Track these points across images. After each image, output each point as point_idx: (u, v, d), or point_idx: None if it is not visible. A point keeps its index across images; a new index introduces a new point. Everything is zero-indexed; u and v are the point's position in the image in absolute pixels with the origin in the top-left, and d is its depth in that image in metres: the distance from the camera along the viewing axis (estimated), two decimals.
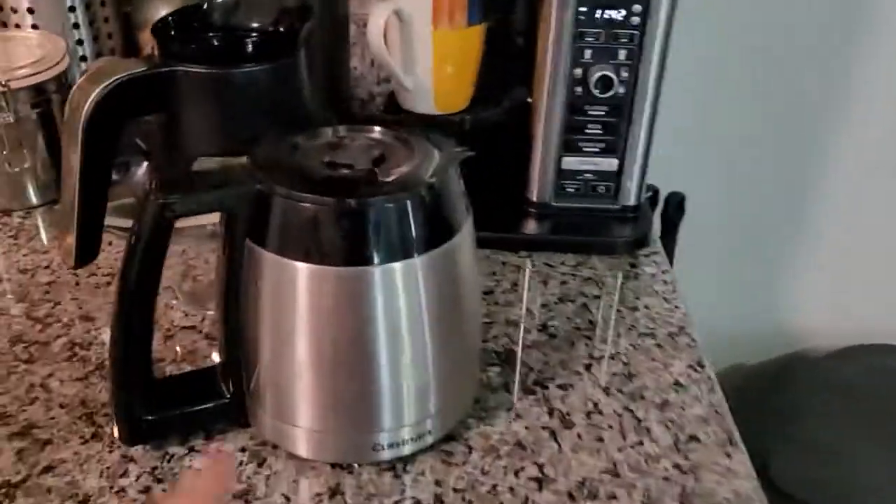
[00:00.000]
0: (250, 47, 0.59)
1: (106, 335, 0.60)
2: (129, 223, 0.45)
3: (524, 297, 0.67)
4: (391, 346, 0.46)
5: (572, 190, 0.74)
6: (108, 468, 0.50)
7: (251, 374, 0.49)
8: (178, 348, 0.60)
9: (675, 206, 0.98)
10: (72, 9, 0.79)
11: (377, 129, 0.50)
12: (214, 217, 0.75)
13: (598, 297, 0.67)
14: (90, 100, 0.50)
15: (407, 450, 0.50)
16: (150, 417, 0.50)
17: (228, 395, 0.51)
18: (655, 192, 0.98)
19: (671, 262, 1.00)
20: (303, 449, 0.50)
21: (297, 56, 0.58)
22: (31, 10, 0.78)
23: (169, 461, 0.50)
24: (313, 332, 0.46)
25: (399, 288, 0.45)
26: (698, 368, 0.60)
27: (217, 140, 0.56)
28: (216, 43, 0.59)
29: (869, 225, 1.13)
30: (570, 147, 0.72)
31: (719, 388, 0.58)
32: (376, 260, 0.44)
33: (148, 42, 0.81)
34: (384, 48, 0.70)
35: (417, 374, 0.48)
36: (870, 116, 1.04)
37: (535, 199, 0.74)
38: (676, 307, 0.66)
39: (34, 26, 0.78)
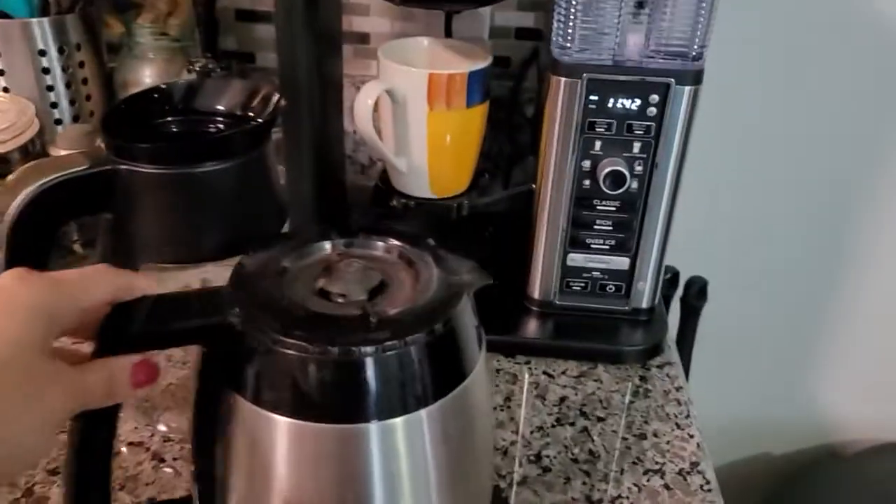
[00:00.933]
0: (214, 138, 0.52)
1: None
2: None
3: (519, 416, 0.59)
4: None
5: (578, 288, 0.67)
6: None
7: None
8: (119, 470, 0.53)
9: (697, 293, 0.90)
10: (46, 70, 0.73)
11: (380, 244, 0.43)
12: None
13: (602, 420, 0.59)
14: (15, 204, 0.44)
15: None
16: None
17: None
18: (675, 274, 0.90)
19: (691, 352, 0.93)
20: None
21: (266, 148, 0.52)
22: (1, 72, 0.72)
23: None
24: (295, 497, 0.38)
25: (401, 446, 0.38)
26: None
27: (170, 247, 0.49)
28: (175, 129, 0.53)
29: None
30: (576, 242, 0.65)
31: None
32: (373, 416, 0.36)
33: None
34: (373, 130, 0.63)
35: None
36: None
37: (536, 296, 0.67)
38: (690, 436, 0.58)
39: (5, 89, 0.73)
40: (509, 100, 0.80)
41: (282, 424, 0.37)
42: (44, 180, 0.44)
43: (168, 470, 0.54)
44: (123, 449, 0.55)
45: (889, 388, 1.07)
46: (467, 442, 0.41)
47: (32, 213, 0.45)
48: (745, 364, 1.06)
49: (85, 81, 0.76)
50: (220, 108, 0.54)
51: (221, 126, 0.53)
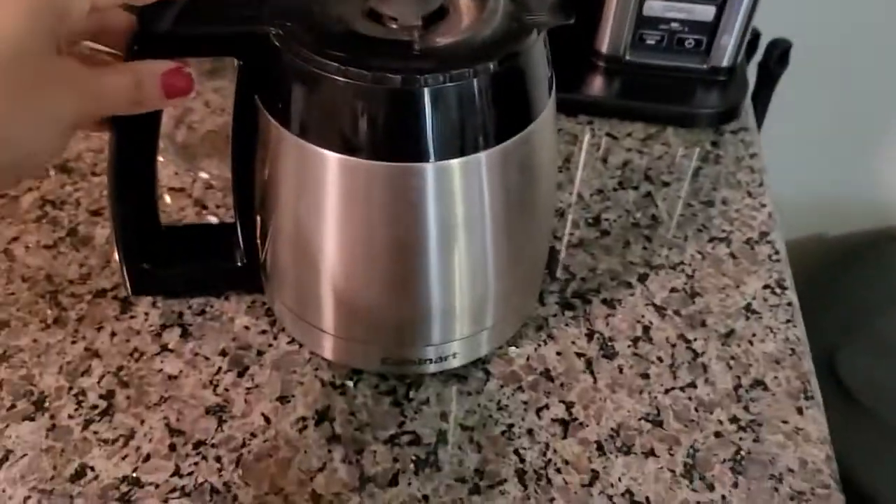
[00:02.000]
0: None
1: (83, 193, 0.53)
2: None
3: (577, 178, 0.56)
4: (442, 257, 0.37)
5: (653, 42, 0.60)
6: (68, 363, 0.43)
7: (268, 261, 0.41)
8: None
9: (779, 57, 0.82)
10: None
11: None
12: None
13: (667, 185, 0.56)
14: None
15: (457, 362, 0.43)
16: (154, 268, 0.43)
17: (242, 262, 0.43)
18: (756, 36, 0.82)
19: (762, 120, 0.86)
20: (326, 352, 0.43)
21: None
22: None
23: (137, 360, 0.44)
24: (345, 235, 0.36)
25: (457, 189, 0.35)
26: (778, 290, 0.49)
27: None
28: None
29: None
30: None
31: (801, 320, 0.48)
32: (429, 155, 0.33)
33: None
34: None
35: (473, 287, 0.39)
36: None
37: (605, 50, 0.61)
38: (762, 205, 0.54)
39: None
40: None
41: (331, 160, 0.34)
42: None
43: (212, 218, 0.52)
44: (166, 195, 0.53)
45: None
46: (527, 194, 0.38)
47: None
48: (815, 137, 1.00)
49: None
50: None
51: None
